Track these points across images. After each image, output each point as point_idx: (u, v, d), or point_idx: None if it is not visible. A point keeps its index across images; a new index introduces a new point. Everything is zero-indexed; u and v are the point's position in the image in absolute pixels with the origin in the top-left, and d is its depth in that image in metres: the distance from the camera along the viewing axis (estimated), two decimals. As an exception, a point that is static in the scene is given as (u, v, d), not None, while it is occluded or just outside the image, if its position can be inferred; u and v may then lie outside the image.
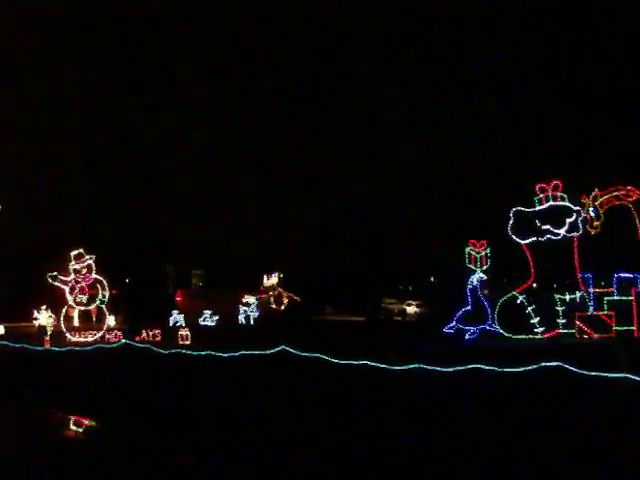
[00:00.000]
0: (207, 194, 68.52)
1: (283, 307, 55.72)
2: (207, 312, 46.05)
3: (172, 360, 25.21)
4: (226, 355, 24.17)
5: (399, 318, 55.05)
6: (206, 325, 45.19)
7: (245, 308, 48.38)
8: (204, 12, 72.41)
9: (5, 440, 14.56)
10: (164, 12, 74.76)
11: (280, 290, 56.04)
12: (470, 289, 34.66)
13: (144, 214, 65.71)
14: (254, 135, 69.75)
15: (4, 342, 32.76)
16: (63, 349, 30.05)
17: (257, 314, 48.58)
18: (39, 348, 31.14)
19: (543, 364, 17.45)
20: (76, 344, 33.23)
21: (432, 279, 77.86)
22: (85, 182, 65.40)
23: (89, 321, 41.27)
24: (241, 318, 47.99)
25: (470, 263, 34.73)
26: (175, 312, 44.85)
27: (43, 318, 46.37)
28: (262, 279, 56.87)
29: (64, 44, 68.66)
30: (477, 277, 34.60)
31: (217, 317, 45.93)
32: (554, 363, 17.26)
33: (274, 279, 56.64)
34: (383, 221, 66.43)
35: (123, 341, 31.23)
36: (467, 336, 34.00)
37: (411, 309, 56.61)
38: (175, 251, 68.44)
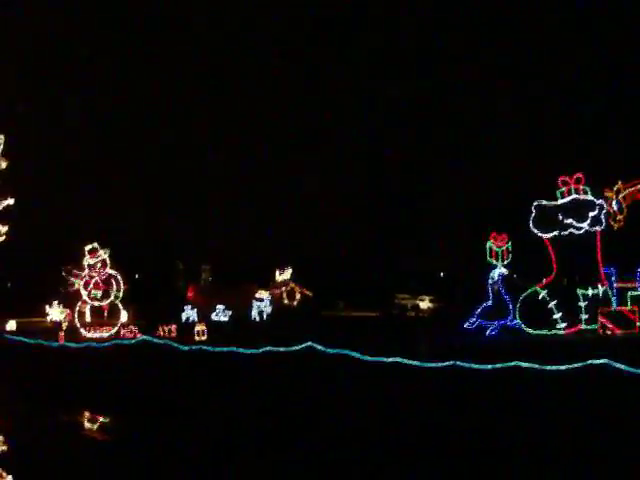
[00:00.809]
0: (217, 187, 67.91)
1: (295, 302, 55.19)
2: (220, 307, 45.55)
3: (194, 357, 24.66)
4: (249, 352, 23.64)
5: (412, 313, 54.40)
6: (219, 320, 44.65)
7: (258, 303, 47.78)
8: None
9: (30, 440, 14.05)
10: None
11: (293, 285, 55.50)
12: (491, 284, 34.10)
13: (152, 209, 65.07)
14: (267, 125, 69.00)
15: (19, 337, 32.18)
16: (80, 345, 29.44)
17: (270, 309, 47.99)
18: (55, 344, 30.57)
19: (590, 362, 16.88)
20: (91, 340, 32.74)
21: (442, 274, 77.28)
22: (97, 177, 64.88)
23: (101, 317, 40.74)
24: (254, 313, 47.40)
25: (491, 257, 34.17)
26: (188, 308, 44.38)
27: (55, 313, 46.23)
28: (274, 274, 56.34)
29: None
30: (498, 272, 34.04)
31: (230, 312, 45.41)
32: (602, 360, 16.74)
33: (286, 274, 56.07)
34: (396, 216, 65.82)
35: (141, 337, 30.68)
36: (488, 332, 33.45)
37: (424, 304, 55.89)
38: (184, 246, 67.88)
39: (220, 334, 32.43)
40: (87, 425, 16.21)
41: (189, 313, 43.76)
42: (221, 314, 45.37)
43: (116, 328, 36.13)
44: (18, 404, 16.73)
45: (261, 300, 48.09)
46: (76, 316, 37.21)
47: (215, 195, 67.85)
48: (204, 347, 25.48)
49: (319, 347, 22.09)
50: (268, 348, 23.34)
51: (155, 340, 28.94)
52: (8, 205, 43.05)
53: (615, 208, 33.48)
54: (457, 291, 59.15)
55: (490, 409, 14.87)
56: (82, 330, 36.24)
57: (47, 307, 46.18)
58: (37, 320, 45.43)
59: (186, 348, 25.97)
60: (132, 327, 35.26)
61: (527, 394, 15.78)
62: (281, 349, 22.88)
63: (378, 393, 16.96)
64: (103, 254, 36.92)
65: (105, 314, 40.05)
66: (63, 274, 37.30)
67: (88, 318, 41.54)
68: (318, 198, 65.67)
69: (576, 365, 17.00)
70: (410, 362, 19.29)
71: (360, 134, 66.88)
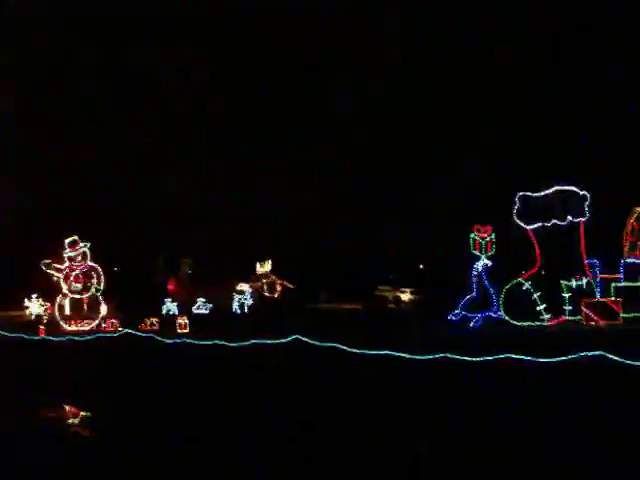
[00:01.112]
0: (197, 177, 67.04)
1: (276, 295, 54.88)
2: (200, 300, 45.14)
3: (178, 350, 24.32)
4: (236, 345, 23.35)
5: (393, 305, 54.36)
6: (200, 313, 44.30)
7: (239, 296, 47.41)
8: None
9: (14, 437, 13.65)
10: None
11: (273, 277, 55.17)
12: (474, 275, 34.11)
13: (130, 201, 64.28)
14: (247, 113, 68.17)
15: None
16: (61, 339, 28.97)
17: (251, 302, 47.66)
18: (36, 338, 30.10)
19: (583, 354, 16.79)
20: (72, 333, 32.30)
21: (421, 266, 77.28)
22: (77, 171, 63.81)
23: (80, 310, 40.19)
24: (235, 306, 47.03)
25: (474, 249, 34.13)
26: (168, 300, 43.98)
27: (34, 307, 45.65)
28: (254, 266, 55.96)
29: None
30: (482, 263, 34.06)
31: (211, 305, 45.05)
32: (596, 352, 16.65)
33: (267, 266, 55.69)
34: (376, 206, 65.64)
35: (123, 330, 30.30)
36: (472, 323, 33.44)
37: (405, 296, 55.85)
38: (163, 238, 67.08)
39: (202, 327, 32.04)
40: (70, 420, 15.81)
41: (169, 306, 43.36)
42: (202, 307, 44.98)
43: (97, 321, 35.75)
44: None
45: (242, 293, 47.77)
46: (56, 309, 36.57)
47: (195, 185, 66.95)
48: (188, 340, 25.10)
49: (307, 340, 21.82)
50: (254, 341, 23.02)
51: (138, 333, 28.60)
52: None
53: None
54: (438, 283, 59.47)
55: (487, 402, 14.71)
56: (62, 323, 35.79)
57: (26, 300, 45.67)
58: (16, 314, 44.85)
59: (170, 341, 25.61)
60: (113, 320, 34.89)
61: (523, 386, 15.65)
62: (268, 342, 22.59)
63: (370, 386, 16.72)
64: (83, 246, 36.41)
65: (85, 307, 39.60)
66: (42, 267, 36.65)
67: (67, 311, 41.00)
68: (299, 188, 65.07)
69: (572, 357, 16.91)
70: (401, 354, 19.05)
71: (341, 121, 66.15)
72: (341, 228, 64.03)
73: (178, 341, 25.39)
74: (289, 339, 22.28)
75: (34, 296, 45.73)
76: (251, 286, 50.05)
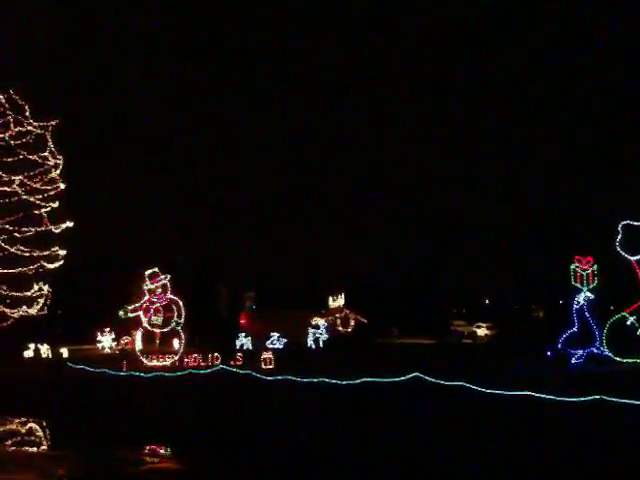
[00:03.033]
0: (265, 211, 66.33)
1: (350, 329, 53.50)
2: (274, 334, 43.86)
3: (280, 388, 22.85)
4: (345, 382, 21.84)
5: (469, 341, 52.64)
6: (274, 348, 42.97)
7: (314, 330, 46.13)
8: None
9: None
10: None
11: (347, 312, 53.85)
12: (576, 309, 32.21)
13: (198, 230, 63.46)
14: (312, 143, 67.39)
15: (82, 366, 30.63)
16: (150, 375, 27.72)
17: (326, 337, 46.25)
18: (122, 373, 28.95)
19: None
20: (154, 368, 31.16)
21: (487, 301, 75.45)
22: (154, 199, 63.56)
23: (152, 344, 39.06)
24: (310, 341, 45.71)
25: (576, 281, 32.30)
26: (242, 335, 42.91)
27: (107, 341, 44.77)
28: (327, 300, 54.74)
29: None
30: (584, 296, 32.16)
31: (285, 340, 43.70)
32: None
33: (340, 300, 54.48)
34: (451, 239, 64.03)
35: (220, 366, 28.95)
36: (573, 360, 31.55)
37: (481, 331, 54.20)
38: (226, 270, 66.26)
39: (284, 362, 30.63)
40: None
41: (243, 340, 42.35)
42: (276, 341, 43.66)
43: (178, 356, 34.61)
44: (95, 441, 14.79)
45: (317, 327, 46.51)
46: (137, 344, 35.58)
47: (261, 218, 66.18)
48: (291, 377, 23.60)
49: (428, 378, 20.23)
50: (366, 379, 21.49)
51: (235, 370, 27.20)
52: (67, 228, 42.01)
53: None
54: (509, 318, 57.67)
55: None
56: (142, 358, 34.68)
57: (99, 334, 44.84)
58: (88, 348, 44.03)
59: (271, 378, 24.17)
60: (195, 355, 33.62)
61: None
62: (384, 380, 21.01)
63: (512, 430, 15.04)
64: (164, 279, 35.36)
65: (157, 341, 38.48)
66: (122, 316, 35.74)
67: (139, 345, 39.85)
68: (368, 221, 63.97)
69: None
70: (548, 396, 17.34)
71: (405, 152, 65.26)
72: (410, 261, 62.64)
73: (280, 378, 23.89)
74: (408, 377, 20.67)
75: (107, 330, 44.97)
76: (326, 320, 48.72)
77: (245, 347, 41.07)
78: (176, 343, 37.58)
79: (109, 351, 43.50)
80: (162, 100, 64.88)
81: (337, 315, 53.45)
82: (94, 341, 45.12)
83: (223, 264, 65.48)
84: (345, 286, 55.73)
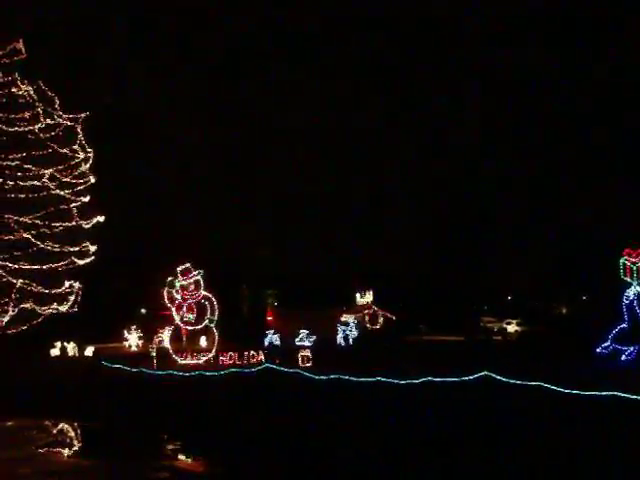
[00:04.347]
0: (291, 207, 65.23)
1: (378, 326, 52.44)
2: (303, 332, 42.81)
3: (337, 385, 21.78)
4: (404, 382, 20.76)
5: (499, 337, 51.49)
6: (303, 345, 41.93)
7: (344, 327, 45.07)
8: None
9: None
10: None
11: (375, 308, 52.76)
12: (626, 304, 31.03)
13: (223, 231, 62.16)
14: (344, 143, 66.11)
15: (118, 365, 29.65)
16: (191, 374, 26.68)
17: (356, 333, 45.18)
18: (160, 372, 27.94)
19: None
20: (187, 367, 30.24)
21: (509, 298, 74.39)
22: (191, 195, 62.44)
23: (180, 342, 38.00)
24: (339, 338, 44.64)
25: (625, 275, 31.11)
26: (270, 332, 42.01)
27: (134, 339, 43.80)
28: (352, 297, 53.70)
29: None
30: (634, 291, 30.98)
31: (314, 337, 42.65)
32: None
33: (369, 297, 53.41)
34: (481, 236, 62.83)
35: (265, 365, 27.88)
36: (623, 357, 30.41)
37: (512, 328, 53.10)
38: (248, 268, 65.20)
39: (321, 360, 29.54)
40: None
41: (272, 338, 41.48)
42: (305, 339, 42.64)
43: (211, 354, 33.66)
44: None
45: (347, 324, 45.50)
46: (169, 342, 34.60)
47: (287, 215, 65.11)
48: (345, 377, 22.49)
49: (498, 377, 19.13)
50: (430, 378, 20.40)
51: (282, 369, 26.04)
52: (98, 222, 41.15)
53: None
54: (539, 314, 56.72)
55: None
56: (175, 357, 33.71)
57: (125, 332, 43.91)
58: (114, 346, 43.11)
59: (323, 377, 23.08)
60: (231, 353, 32.63)
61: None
62: (450, 379, 19.90)
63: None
64: (197, 274, 34.32)
65: (184, 339, 37.44)
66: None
67: (167, 343, 38.82)
68: (396, 216, 62.81)
69: None
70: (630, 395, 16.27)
71: (437, 150, 64.13)
72: (439, 258, 61.52)
73: (332, 377, 22.79)
74: (477, 376, 19.57)
75: (133, 327, 44.05)
76: (356, 317, 47.68)
77: (274, 344, 40.28)
78: (203, 340, 36.71)
79: (136, 349, 42.64)
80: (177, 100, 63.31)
81: (365, 312, 52.41)
82: (119, 339, 44.24)
83: (243, 262, 64.33)
84: (373, 283, 54.66)
